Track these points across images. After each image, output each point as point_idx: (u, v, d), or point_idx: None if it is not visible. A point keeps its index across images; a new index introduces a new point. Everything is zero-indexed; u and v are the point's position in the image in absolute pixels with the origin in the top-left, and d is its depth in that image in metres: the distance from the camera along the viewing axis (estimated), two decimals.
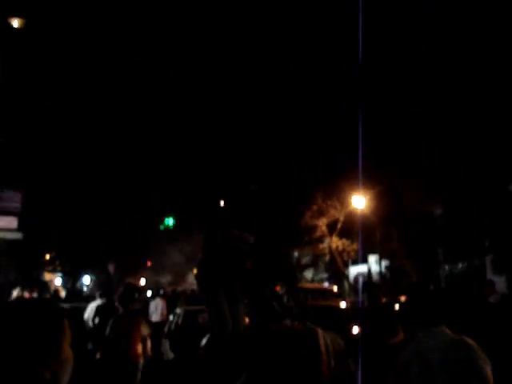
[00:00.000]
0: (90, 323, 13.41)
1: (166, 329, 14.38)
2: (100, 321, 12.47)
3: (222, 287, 5.26)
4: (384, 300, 8.44)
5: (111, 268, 43.98)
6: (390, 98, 21.59)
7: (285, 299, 6.19)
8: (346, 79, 19.96)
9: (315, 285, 23.06)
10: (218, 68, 25.65)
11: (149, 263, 47.94)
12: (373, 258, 26.63)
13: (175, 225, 43.98)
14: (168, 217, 43.36)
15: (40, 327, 2.29)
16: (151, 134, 32.50)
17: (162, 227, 44.75)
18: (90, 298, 26.39)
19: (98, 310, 12.64)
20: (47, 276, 34.93)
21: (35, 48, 22.30)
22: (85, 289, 42.76)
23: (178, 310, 11.44)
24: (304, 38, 22.98)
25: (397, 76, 21.17)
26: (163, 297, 21.05)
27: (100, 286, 31.15)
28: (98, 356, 9.10)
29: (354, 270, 29.00)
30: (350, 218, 23.76)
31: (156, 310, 17.01)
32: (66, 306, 15.17)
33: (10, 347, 2.20)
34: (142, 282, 47.04)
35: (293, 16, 22.60)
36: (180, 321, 10.88)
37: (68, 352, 2.34)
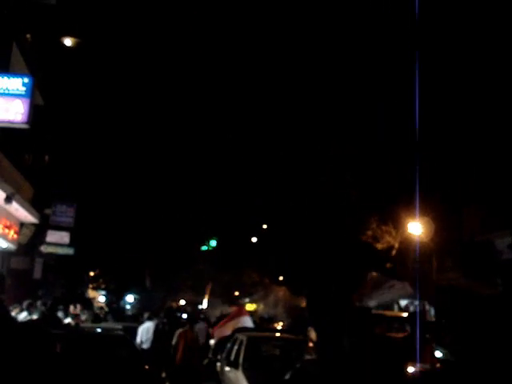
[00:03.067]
0: (145, 345, 13.01)
1: (210, 354, 13.94)
2: (158, 341, 12.38)
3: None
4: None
5: (148, 282, 43.88)
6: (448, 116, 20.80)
7: None
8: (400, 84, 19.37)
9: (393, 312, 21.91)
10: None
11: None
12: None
13: (216, 247, 44.01)
14: (212, 239, 43.35)
15: None
16: (202, 157, 32.38)
17: (204, 248, 44.79)
18: (134, 317, 26.07)
19: (156, 331, 12.57)
20: (91, 293, 34.86)
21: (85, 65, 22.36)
22: (127, 307, 42.58)
23: (240, 336, 10.80)
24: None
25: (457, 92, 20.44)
26: (204, 320, 20.65)
27: (144, 308, 30.82)
28: (163, 375, 9.53)
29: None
30: (405, 244, 22.89)
31: (199, 333, 16.48)
32: (117, 326, 14.75)
33: None
34: (182, 302, 46.82)
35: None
36: (243, 348, 10.23)
37: None
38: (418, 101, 11.59)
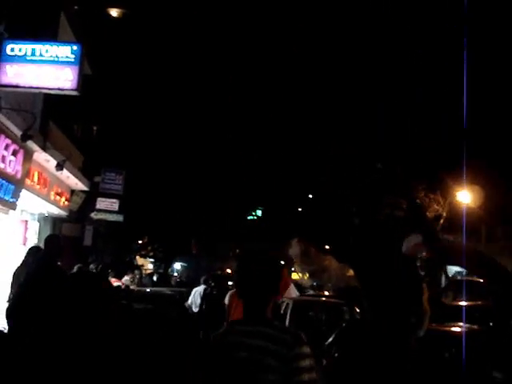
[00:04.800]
0: (194, 308, 13.35)
1: None
2: (207, 304, 12.75)
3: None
4: None
5: (195, 251, 44.43)
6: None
7: None
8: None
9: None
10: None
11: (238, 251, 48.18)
12: None
13: (262, 217, 44.09)
14: (257, 208, 43.49)
15: None
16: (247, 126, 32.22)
17: (251, 217, 45.01)
18: (182, 283, 26.60)
19: (205, 295, 12.92)
20: (139, 261, 35.60)
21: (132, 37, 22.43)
22: (175, 274, 43.38)
23: (287, 301, 10.90)
24: None
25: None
26: None
27: (198, 273, 31.27)
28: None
29: (453, 269, 27.67)
30: (454, 213, 22.52)
31: None
32: (165, 290, 15.12)
33: None
34: (228, 270, 47.38)
35: None
36: (289, 312, 10.34)
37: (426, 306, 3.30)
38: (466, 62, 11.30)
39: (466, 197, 21.06)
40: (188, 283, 25.83)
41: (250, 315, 2.72)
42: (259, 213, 43.37)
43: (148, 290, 15.05)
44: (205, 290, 13.52)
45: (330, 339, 8.24)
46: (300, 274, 40.99)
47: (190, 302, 13.83)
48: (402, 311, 5.91)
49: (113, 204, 21.38)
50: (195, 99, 28.55)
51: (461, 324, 7.98)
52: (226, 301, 10.41)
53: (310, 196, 37.48)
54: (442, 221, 23.35)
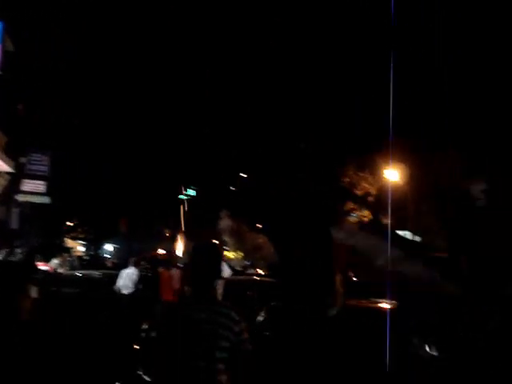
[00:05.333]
0: (125, 290, 13.04)
1: None
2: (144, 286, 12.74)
3: None
4: None
5: (126, 232, 43.74)
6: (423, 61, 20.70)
7: None
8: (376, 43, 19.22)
9: None
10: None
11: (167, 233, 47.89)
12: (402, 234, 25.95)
13: (195, 196, 43.99)
14: (189, 188, 43.32)
15: None
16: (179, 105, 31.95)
17: (182, 197, 44.75)
18: (114, 265, 26.22)
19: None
20: (69, 243, 34.74)
21: None
22: (108, 256, 42.62)
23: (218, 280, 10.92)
24: None
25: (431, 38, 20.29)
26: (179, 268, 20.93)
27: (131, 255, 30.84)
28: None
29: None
30: (383, 191, 23.10)
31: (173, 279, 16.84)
32: (96, 272, 14.87)
33: None
34: (160, 251, 47.00)
35: None
36: (221, 291, 10.38)
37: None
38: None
39: (393, 175, 21.64)
40: (121, 265, 25.47)
41: (199, 295, 3.18)
42: (191, 192, 43.26)
43: (77, 273, 14.70)
44: (140, 272, 13.41)
45: (260, 317, 8.33)
46: (234, 254, 41.12)
47: (119, 284, 13.37)
48: (315, 292, 6.11)
49: (39, 186, 20.74)
50: (123, 73, 27.92)
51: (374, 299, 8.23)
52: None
53: (243, 175, 37.71)
54: (371, 198, 23.93)
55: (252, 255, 35.51)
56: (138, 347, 7.10)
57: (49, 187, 21.75)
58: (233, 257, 38.30)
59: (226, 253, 37.99)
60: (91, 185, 30.39)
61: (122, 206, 36.79)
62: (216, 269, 3.25)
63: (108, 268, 23.81)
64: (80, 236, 38.22)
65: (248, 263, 31.55)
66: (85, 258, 27.72)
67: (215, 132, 31.77)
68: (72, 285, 12.28)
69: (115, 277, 13.80)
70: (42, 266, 14.78)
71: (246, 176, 36.11)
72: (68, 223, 35.27)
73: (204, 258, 3.24)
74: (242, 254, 39.82)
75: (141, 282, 13.39)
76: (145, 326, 7.48)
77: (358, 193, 23.95)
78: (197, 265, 3.25)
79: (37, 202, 21.45)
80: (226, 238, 39.66)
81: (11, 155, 17.89)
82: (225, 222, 38.94)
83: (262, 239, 36.06)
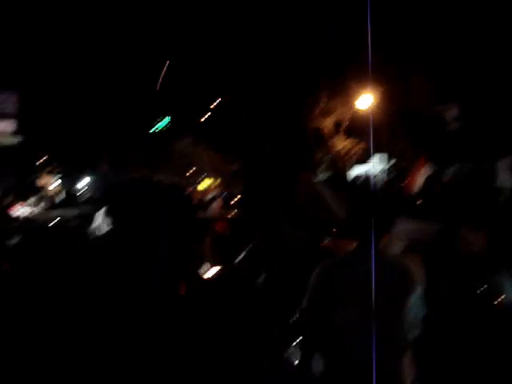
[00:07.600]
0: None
1: None
2: None
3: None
4: None
5: (105, 167, 43.12)
6: None
7: None
8: None
9: None
10: None
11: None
12: (376, 159, 26.01)
13: (169, 127, 43.03)
14: (163, 118, 42.32)
15: None
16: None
17: (155, 128, 43.74)
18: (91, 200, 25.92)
19: None
20: (44, 179, 34.18)
21: None
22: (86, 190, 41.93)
23: None
24: None
25: None
26: None
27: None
28: None
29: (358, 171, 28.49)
30: (358, 117, 23.04)
31: None
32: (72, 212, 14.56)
33: None
34: None
35: None
36: None
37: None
38: None
39: (368, 99, 21.51)
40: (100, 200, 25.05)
41: None
42: (165, 121, 42.28)
43: (51, 214, 14.39)
44: None
45: (240, 257, 8.45)
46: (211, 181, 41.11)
47: (98, 223, 12.92)
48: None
49: (7, 126, 20.23)
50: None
51: None
52: None
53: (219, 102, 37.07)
54: (344, 124, 23.85)
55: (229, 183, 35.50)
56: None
57: (20, 125, 21.19)
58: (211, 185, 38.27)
59: (206, 180, 37.88)
60: (63, 117, 29.74)
61: (98, 136, 36.08)
62: None
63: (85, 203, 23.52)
64: (56, 170, 37.60)
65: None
66: (60, 194, 27.42)
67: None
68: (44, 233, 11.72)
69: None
70: (21, 209, 14.50)
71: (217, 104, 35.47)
72: (42, 160, 34.71)
73: None
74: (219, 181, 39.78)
75: None
76: None
77: (330, 120, 23.80)
78: None
79: (5, 143, 20.94)
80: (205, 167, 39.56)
81: None
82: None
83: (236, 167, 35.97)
